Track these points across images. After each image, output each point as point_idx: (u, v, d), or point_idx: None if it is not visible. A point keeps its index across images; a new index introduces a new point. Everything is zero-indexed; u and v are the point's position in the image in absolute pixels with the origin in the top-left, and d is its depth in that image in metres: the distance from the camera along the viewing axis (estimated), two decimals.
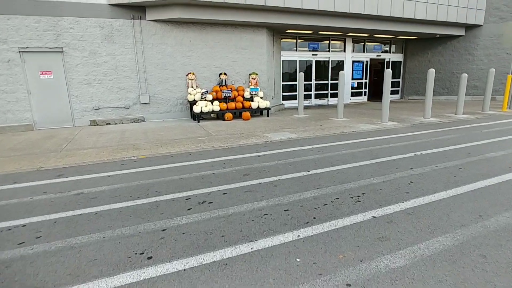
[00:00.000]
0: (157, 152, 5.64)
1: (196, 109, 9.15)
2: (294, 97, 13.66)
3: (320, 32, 12.85)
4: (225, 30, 10.22)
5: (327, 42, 13.98)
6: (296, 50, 13.31)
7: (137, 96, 9.59)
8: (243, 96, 10.27)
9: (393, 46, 15.79)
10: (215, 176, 4.15)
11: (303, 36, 13.32)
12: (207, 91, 9.61)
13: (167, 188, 3.75)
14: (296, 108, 12.50)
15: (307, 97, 13.97)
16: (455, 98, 15.02)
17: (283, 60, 13.04)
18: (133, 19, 9.12)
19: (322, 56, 13.89)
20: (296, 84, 13.59)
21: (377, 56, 15.38)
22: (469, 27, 14.56)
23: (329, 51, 14.07)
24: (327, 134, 6.94)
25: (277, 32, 12.23)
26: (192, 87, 10.04)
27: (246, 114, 9.43)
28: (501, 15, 14.04)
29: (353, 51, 14.65)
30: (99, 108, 9.24)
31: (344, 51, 14.41)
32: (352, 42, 14.48)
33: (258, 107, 9.91)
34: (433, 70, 8.84)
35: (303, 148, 5.66)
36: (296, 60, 13.37)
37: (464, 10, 13.43)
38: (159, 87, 9.81)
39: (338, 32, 13.02)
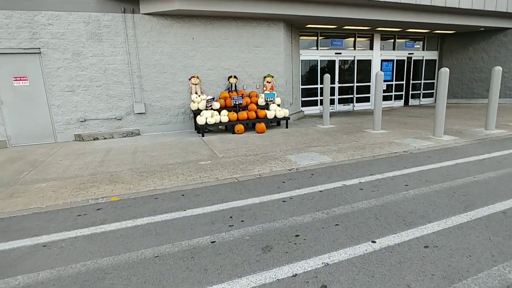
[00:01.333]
0: (138, 188, 4.00)
1: (200, 120, 7.51)
2: (314, 103, 11.88)
3: (345, 27, 11.06)
4: (235, 25, 8.57)
5: (352, 39, 12.15)
6: (317, 49, 11.55)
7: (131, 105, 8.04)
8: (256, 104, 8.59)
9: (426, 43, 13.81)
10: (215, 251, 2.46)
11: (325, 32, 11.55)
12: (213, 98, 7.97)
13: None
14: (318, 116, 10.71)
15: (330, 102, 12.14)
16: (503, 102, 12.93)
17: (301, 60, 11.30)
18: (124, 12, 7.59)
19: (346, 55, 12.08)
20: (316, 88, 11.81)
21: (409, 54, 13.43)
22: None
23: (354, 49, 12.24)
24: (371, 156, 5.16)
25: (296, 28, 10.51)
26: (196, 93, 8.43)
27: (261, 126, 7.73)
28: None
29: (382, 49, 12.77)
30: (85, 120, 7.73)
31: (372, 48, 12.55)
32: (381, 39, 12.61)
33: (275, 116, 8.20)
34: (500, 68, 6.93)
35: (346, 183, 3.91)
36: (317, 60, 11.60)
37: None
38: (156, 93, 8.24)
39: (365, 27, 11.19)
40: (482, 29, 12.44)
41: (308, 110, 11.79)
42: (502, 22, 12.19)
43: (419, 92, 14.16)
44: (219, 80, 8.74)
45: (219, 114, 7.89)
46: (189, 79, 8.40)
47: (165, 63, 8.16)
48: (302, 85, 11.46)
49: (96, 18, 7.41)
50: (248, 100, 8.47)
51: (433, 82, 14.41)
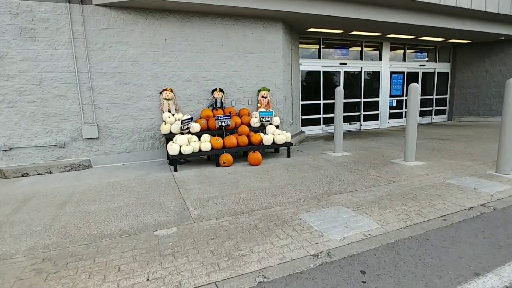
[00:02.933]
0: None
1: (172, 149, 5.43)
2: (316, 122, 10.01)
3: (352, 33, 9.36)
4: (221, 24, 6.68)
5: (359, 48, 10.47)
6: (320, 58, 9.77)
7: (78, 128, 5.92)
8: (249, 125, 6.61)
9: (438, 54, 12.30)
10: None
11: (328, 39, 9.82)
12: (190, 119, 5.94)
13: None
14: (322, 138, 8.78)
15: (332, 120, 10.31)
16: None
17: (301, 71, 9.49)
18: (69, 2, 5.58)
19: (352, 65, 10.35)
20: (319, 105, 9.97)
21: (420, 65, 11.85)
22: None
23: (361, 59, 10.54)
24: (439, 217, 3.19)
25: (296, 32, 8.72)
26: (170, 111, 6.40)
27: (256, 156, 5.71)
28: None
29: (391, 59, 11.14)
30: (10, 149, 5.55)
31: (380, 59, 10.90)
32: (390, 50, 10.99)
33: (274, 142, 6.22)
34: None
35: None
36: (319, 71, 9.81)
37: None
38: (115, 112, 6.15)
39: (375, 33, 9.53)
40: (503, 38, 11.01)
41: (309, 130, 9.90)
42: None
43: (431, 108, 12.54)
44: (200, 94, 6.74)
45: (199, 139, 5.86)
46: (160, 93, 6.38)
47: (127, 72, 6.13)
48: (302, 100, 9.60)
49: (29, 9, 5.37)
50: (238, 120, 6.49)
51: (446, 98, 12.84)
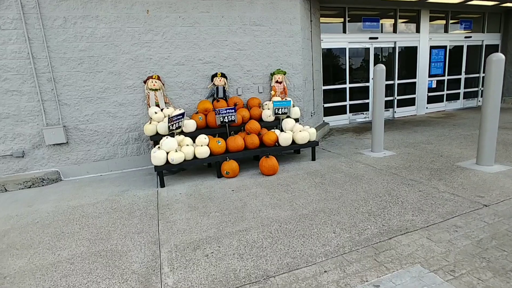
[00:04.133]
0: None
1: (156, 158, 4.01)
2: (342, 110, 8.37)
3: None
4: None
5: (392, 20, 8.62)
6: (345, 32, 8.03)
7: (39, 132, 4.60)
8: (260, 119, 5.11)
9: (486, 23, 10.23)
10: None
11: (355, 8, 8.04)
12: (182, 115, 4.49)
13: None
14: (350, 131, 7.14)
15: (362, 108, 8.64)
16: None
17: (322, 49, 7.81)
18: None
19: (384, 40, 8.54)
20: (344, 89, 8.29)
21: (465, 37, 9.86)
22: None
23: (395, 32, 8.70)
24: None
25: (316, 0, 7.02)
26: (158, 105, 4.97)
27: (270, 163, 4.20)
28: None
29: (431, 32, 9.22)
30: None
31: (418, 31, 9.01)
32: (430, 20, 9.06)
33: (294, 142, 4.70)
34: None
35: None
36: (345, 48, 8.09)
37: None
38: (87, 109, 4.78)
39: None
40: None
41: (333, 121, 8.28)
42: None
43: (476, 89, 10.57)
44: (197, 82, 5.26)
45: (194, 142, 4.42)
46: (145, 82, 4.94)
47: (100, 56, 4.71)
48: (324, 84, 7.96)
49: None
50: (246, 113, 4.99)
51: None
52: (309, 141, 4.74)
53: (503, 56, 3.77)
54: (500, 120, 7.28)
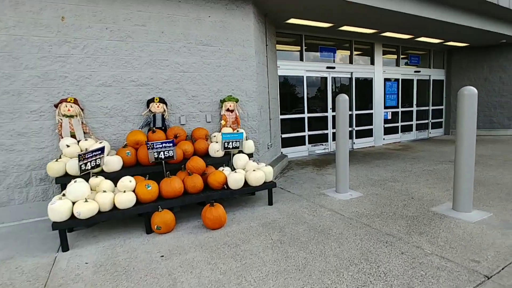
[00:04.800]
0: None
1: (56, 211, 2.87)
2: (299, 141, 7.83)
3: (342, 28, 7.37)
4: (162, 2, 4.32)
5: (348, 51, 8.53)
6: (302, 60, 7.67)
7: None
8: (206, 154, 4.22)
9: (432, 59, 10.75)
10: None
11: (312, 37, 7.78)
12: (100, 150, 3.43)
13: None
14: (309, 164, 6.51)
15: (321, 139, 8.19)
16: None
17: (279, 76, 7.31)
18: None
19: (342, 70, 8.36)
20: (303, 119, 7.81)
21: (415, 72, 10.17)
22: None
23: (351, 62, 8.60)
24: None
25: (272, 23, 6.55)
26: (73, 136, 3.86)
27: (215, 214, 3.26)
28: None
29: (384, 65, 9.33)
30: None
31: (373, 63, 9.03)
32: (383, 54, 9.18)
33: (246, 184, 3.86)
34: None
35: None
36: (303, 77, 7.69)
37: None
38: None
39: (368, 29, 7.62)
40: (504, 40, 9.62)
41: (292, 152, 7.67)
42: None
43: (427, 121, 10.86)
44: (128, 108, 4.26)
45: (115, 186, 3.37)
46: (56, 106, 3.83)
47: None
48: (281, 114, 7.40)
49: None
50: (190, 147, 4.07)
51: (442, 109, 11.27)
52: (265, 182, 3.92)
53: (475, 90, 3.40)
54: (444, 155, 7.21)
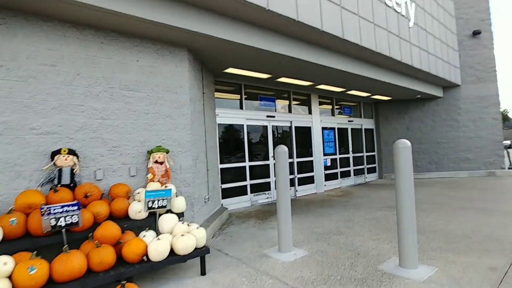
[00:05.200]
0: None
1: None
2: (241, 191, 7.40)
3: (281, 80, 7.57)
4: (78, 38, 3.80)
5: (287, 101, 8.77)
6: (242, 108, 7.58)
7: None
8: (124, 217, 3.50)
9: (363, 110, 11.68)
10: None
11: (251, 86, 7.83)
12: None
13: None
14: (251, 216, 6.01)
15: (264, 187, 7.88)
16: (447, 175, 11.15)
17: (218, 124, 7.04)
18: None
19: (281, 119, 8.45)
20: (244, 168, 7.48)
21: (349, 121, 10.84)
22: (446, 88, 11.57)
23: (290, 112, 8.79)
24: None
25: (210, 72, 6.41)
26: None
27: None
28: (478, 75, 11.50)
29: (321, 114, 9.77)
30: None
31: (310, 113, 9.38)
32: (319, 104, 9.67)
33: (173, 252, 3.21)
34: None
35: None
36: (243, 125, 7.53)
37: (446, 64, 10.32)
38: None
39: (305, 81, 7.97)
40: (419, 96, 10.94)
41: (233, 203, 7.15)
42: (433, 89, 10.96)
43: (363, 167, 11.40)
44: (24, 161, 3.43)
45: None
46: None
47: None
48: (221, 163, 6.98)
49: None
50: (103, 209, 3.33)
51: (374, 155, 12.02)
52: (196, 249, 3.31)
53: (408, 143, 3.42)
54: (389, 198, 7.43)
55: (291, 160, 8.64)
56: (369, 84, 8.63)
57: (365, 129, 11.54)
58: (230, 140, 7.34)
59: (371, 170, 11.73)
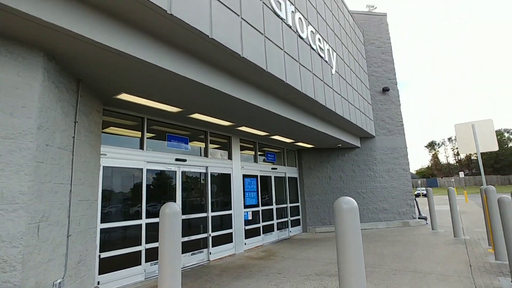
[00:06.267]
0: None
1: None
2: (132, 260, 5.45)
3: (195, 116, 6.30)
4: None
5: (203, 143, 7.47)
6: (142, 148, 5.94)
7: None
8: None
9: (286, 157, 11.06)
10: None
11: (158, 122, 6.33)
12: None
13: None
14: None
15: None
16: (367, 227, 10.96)
17: (105, 168, 5.21)
18: None
19: (195, 163, 7.01)
20: (139, 226, 5.63)
21: (272, 168, 9.96)
22: (363, 138, 11.93)
23: (206, 155, 7.44)
24: None
25: (95, 95, 4.73)
26: None
27: None
28: (389, 128, 12.26)
29: (243, 160, 8.67)
30: None
31: (230, 158, 8.19)
32: (241, 149, 8.61)
33: None
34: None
35: None
36: (142, 169, 5.82)
37: (363, 115, 10.66)
38: None
39: (224, 121, 6.88)
40: (340, 145, 10.90)
41: (118, 279, 5.10)
42: (352, 139, 11.14)
43: (286, 219, 10.42)
44: None
45: None
46: None
47: None
48: (103, 221, 5.03)
49: None
50: None
51: (298, 206, 11.24)
52: None
53: (355, 204, 2.36)
54: (324, 258, 6.34)
55: (204, 214, 7.07)
56: (293, 129, 8.00)
57: (288, 177, 10.83)
58: (122, 190, 5.51)
59: (295, 223, 10.81)
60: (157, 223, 5.95)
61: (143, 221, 5.64)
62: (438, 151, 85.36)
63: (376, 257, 6.55)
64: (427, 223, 11.39)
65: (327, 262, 6.36)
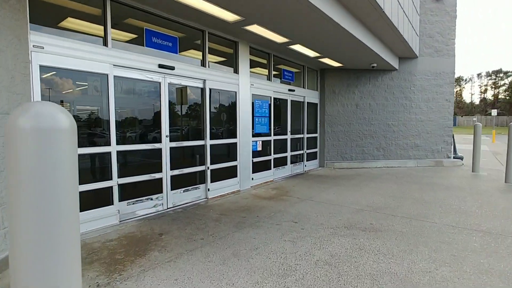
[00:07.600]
0: None
1: None
2: (101, 199, 4.05)
3: (186, 2, 4.21)
4: None
5: (200, 53, 5.48)
6: (106, 45, 4.06)
7: None
8: None
9: (306, 78, 9.01)
10: None
11: (127, 7, 4.30)
12: None
13: None
14: (98, 258, 2.82)
15: (145, 189, 4.66)
16: (394, 165, 9.50)
17: (42, 68, 3.44)
18: None
19: (186, 74, 5.16)
20: (107, 156, 4.11)
21: (289, 90, 8.05)
22: (402, 59, 9.61)
23: (204, 65, 5.54)
24: None
25: None
26: None
27: None
28: (437, 47, 9.79)
29: (252, 76, 6.73)
30: None
31: (236, 72, 6.26)
32: (251, 62, 6.57)
33: None
34: None
35: None
36: (107, 76, 4.04)
37: (410, 26, 8.18)
38: None
39: (228, 12, 4.77)
40: (375, 65, 8.66)
41: (82, 223, 3.80)
42: (393, 59, 8.87)
43: (302, 152, 8.92)
44: None
45: None
46: None
47: None
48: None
49: None
50: None
51: (316, 137, 9.64)
52: None
53: None
54: (334, 209, 4.92)
55: (201, 142, 5.51)
56: (321, 33, 5.84)
57: (308, 102, 8.96)
58: (76, 102, 3.85)
59: (311, 156, 9.35)
60: (135, 150, 4.45)
61: (113, 148, 4.09)
62: (464, 87, 79.75)
63: (419, 206, 5.09)
64: (463, 164, 9.81)
65: (356, 208, 4.95)
